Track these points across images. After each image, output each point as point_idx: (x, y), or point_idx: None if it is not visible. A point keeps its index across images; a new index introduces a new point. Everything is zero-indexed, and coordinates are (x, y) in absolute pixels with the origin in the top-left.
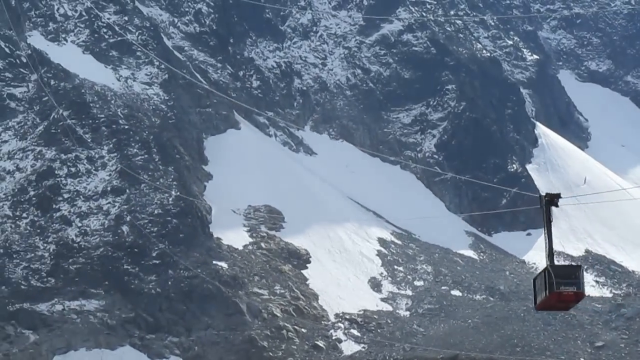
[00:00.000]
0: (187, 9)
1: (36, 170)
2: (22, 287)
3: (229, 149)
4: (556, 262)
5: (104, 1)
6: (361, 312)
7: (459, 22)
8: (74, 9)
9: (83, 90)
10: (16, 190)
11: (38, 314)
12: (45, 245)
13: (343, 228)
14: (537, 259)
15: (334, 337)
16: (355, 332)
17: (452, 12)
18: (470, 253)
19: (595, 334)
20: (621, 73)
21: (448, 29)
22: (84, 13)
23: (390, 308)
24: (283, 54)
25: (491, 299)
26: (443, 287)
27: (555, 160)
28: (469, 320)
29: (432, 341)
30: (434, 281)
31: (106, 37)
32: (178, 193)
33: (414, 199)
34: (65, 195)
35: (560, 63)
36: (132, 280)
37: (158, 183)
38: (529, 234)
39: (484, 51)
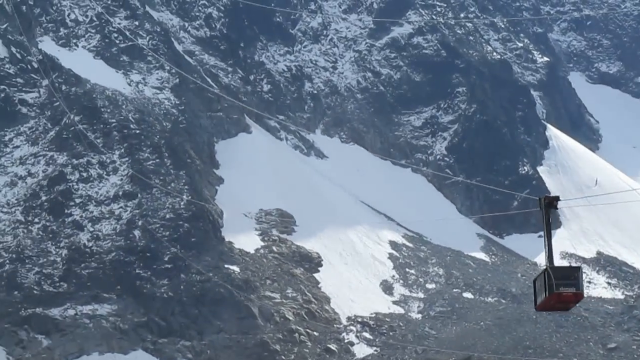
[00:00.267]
0: (197, 14)
1: (48, 175)
2: (35, 292)
3: (240, 153)
4: (557, 264)
5: (115, 6)
6: (373, 315)
7: (469, 24)
8: (85, 15)
9: (94, 95)
10: (28, 195)
11: (51, 318)
12: (57, 250)
13: (354, 231)
14: None
15: (346, 340)
16: (367, 335)
17: (462, 15)
18: (481, 255)
19: (607, 335)
20: (632, 74)
21: (458, 31)
22: (94, 18)
23: (402, 311)
24: (293, 57)
25: (503, 301)
26: (455, 290)
27: (566, 162)
28: (481, 323)
29: (444, 344)
30: (445, 284)
31: (117, 42)
32: (190, 197)
33: (425, 201)
34: (77, 200)
35: (571, 65)
36: (144, 285)
37: (169, 187)
38: (540, 236)
39: (495, 53)
